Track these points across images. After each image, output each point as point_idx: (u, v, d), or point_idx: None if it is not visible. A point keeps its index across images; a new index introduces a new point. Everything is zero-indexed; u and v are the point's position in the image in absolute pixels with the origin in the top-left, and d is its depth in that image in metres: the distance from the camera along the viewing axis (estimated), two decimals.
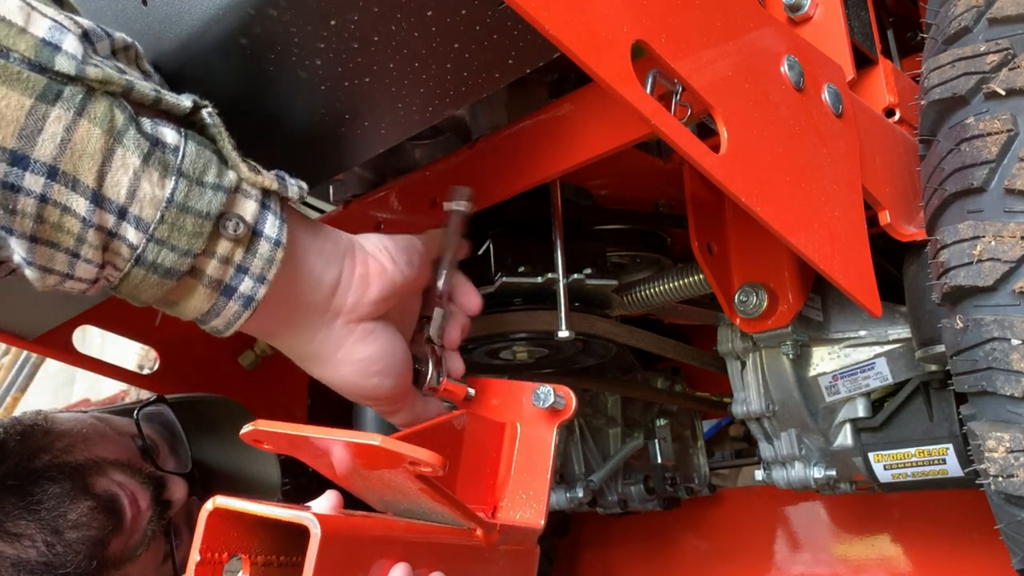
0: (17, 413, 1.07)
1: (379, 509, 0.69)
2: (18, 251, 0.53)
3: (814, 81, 0.79)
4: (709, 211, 1.04)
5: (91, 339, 2.17)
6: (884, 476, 1.09)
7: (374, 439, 0.55)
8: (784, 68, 0.75)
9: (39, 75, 0.48)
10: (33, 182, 0.49)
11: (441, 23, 0.59)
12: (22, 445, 0.96)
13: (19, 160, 0.49)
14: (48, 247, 0.53)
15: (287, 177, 0.61)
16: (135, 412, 1.09)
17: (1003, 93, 0.73)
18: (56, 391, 4.58)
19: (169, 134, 0.54)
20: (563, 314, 0.95)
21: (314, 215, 1.15)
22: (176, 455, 1.12)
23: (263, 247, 0.58)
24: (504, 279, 0.98)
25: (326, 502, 0.65)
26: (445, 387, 0.79)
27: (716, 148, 0.65)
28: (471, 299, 0.81)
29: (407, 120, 0.70)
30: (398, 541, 0.62)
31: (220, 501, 0.57)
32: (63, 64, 0.49)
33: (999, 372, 0.66)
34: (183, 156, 0.54)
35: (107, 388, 4.00)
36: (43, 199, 0.50)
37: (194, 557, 0.56)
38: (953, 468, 1.03)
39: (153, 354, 1.32)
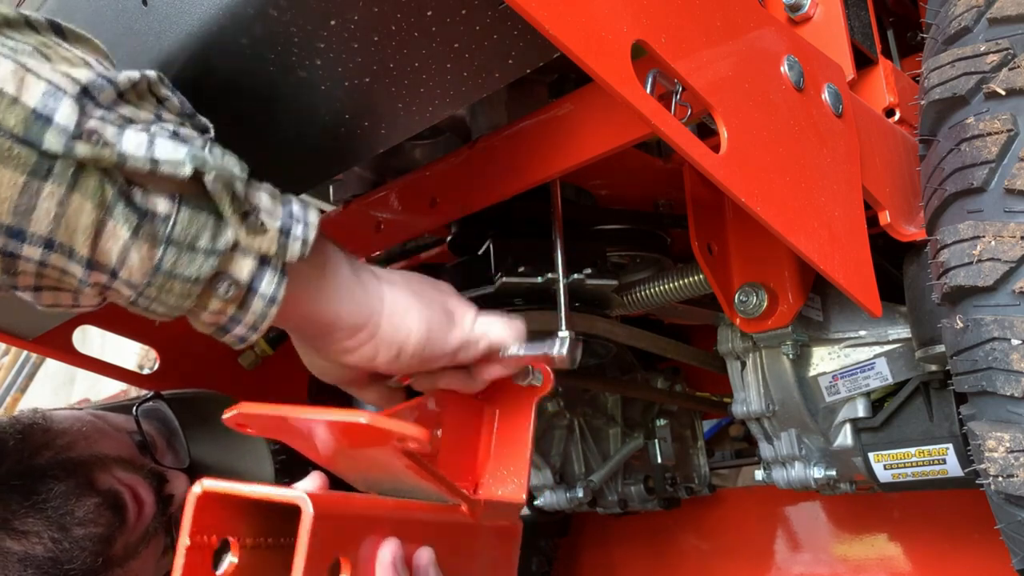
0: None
1: (363, 490, 0.70)
2: (23, 296, 0.55)
3: (814, 81, 0.79)
4: (709, 211, 1.04)
5: (91, 339, 2.17)
6: (884, 476, 1.09)
7: (361, 417, 0.56)
8: (784, 68, 0.75)
9: (29, 151, 0.48)
10: (31, 252, 0.51)
11: (441, 23, 0.59)
12: (22, 443, 0.97)
13: (16, 234, 0.49)
14: (51, 292, 0.55)
15: (292, 228, 0.58)
16: (134, 408, 1.09)
17: (1003, 93, 0.73)
18: (56, 391, 4.58)
19: (161, 203, 0.53)
20: (563, 314, 0.95)
21: None
22: (173, 451, 1.12)
23: (256, 304, 0.58)
24: (504, 279, 0.98)
25: (311, 483, 0.65)
26: None
27: (716, 148, 0.65)
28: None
29: (407, 120, 0.70)
30: (387, 518, 0.62)
31: (208, 484, 0.57)
32: (51, 142, 0.48)
33: (999, 372, 0.66)
34: (173, 225, 0.53)
35: (107, 388, 4.00)
36: (42, 264, 0.52)
37: (183, 541, 0.56)
38: (953, 468, 1.03)
39: (153, 354, 1.32)
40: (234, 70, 0.65)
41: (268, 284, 0.58)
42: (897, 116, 0.96)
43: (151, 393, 1.15)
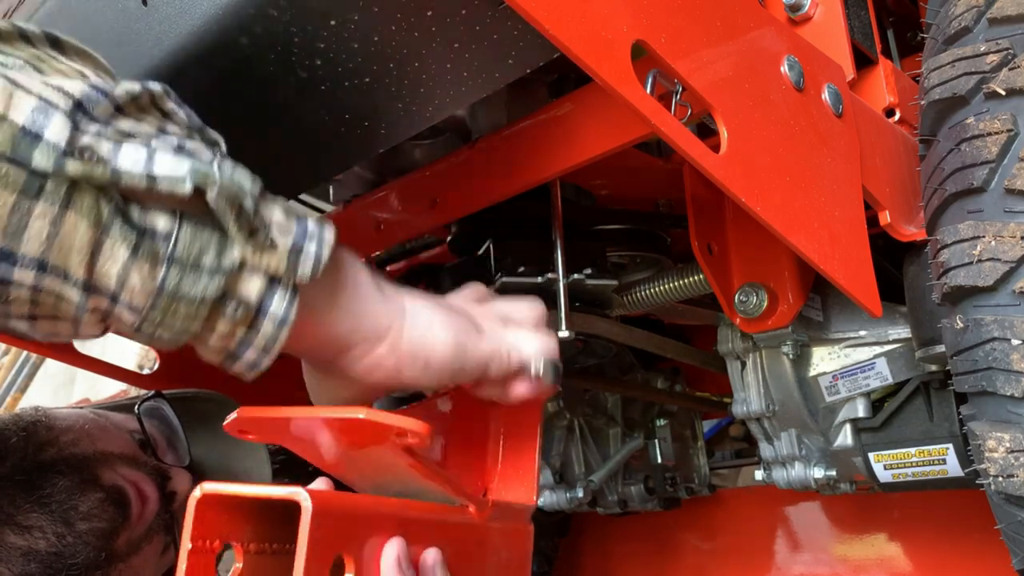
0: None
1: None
2: (19, 327, 0.52)
3: (814, 81, 0.79)
4: (709, 211, 1.04)
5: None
6: (884, 476, 1.09)
7: (358, 412, 0.55)
8: (784, 68, 0.75)
9: (18, 169, 0.46)
10: (24, 276, 0.48)
11: (441, 23, 0.59)
12: (26, 440, 0.97)
13: (6, 256, 0.47)
14: (49, 321, 0.52)
15: (305, 246, 0.56)
16: (136, 407, 1.10)
17: (1003, 93, 0.73)
18: (56, 391, 4.58)
19: (161, 221, 0.51)
20: (563, 314, 0.95)
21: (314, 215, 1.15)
22: (174, 450, 1.13)
23: (266, 327, 0.55)
24: (504, 279, 0.98)
25: (315, 487, 0.65)
26: None
27: (716, 148, 0.65)
28: None
29: (407, 120, 0.70)
30: (391, 517, 0.61)
31: (208, 487, 0.56)
32: (40, 160, 0.46)
33: (999, 372, 0.66)
34: (175, 243, 0.51)
35: (107, 388, 4.00)
36: (36, 289, 0.49)
37: (185, 545, 0.55)
38: (953, 468, 1.03)
39: (153, 354, 1.32)
40: (234, 70, 0.65)
41: (278, 305, 0.55)
42: (897, 116, 0.96)
43: (152, 392, 1.15)
